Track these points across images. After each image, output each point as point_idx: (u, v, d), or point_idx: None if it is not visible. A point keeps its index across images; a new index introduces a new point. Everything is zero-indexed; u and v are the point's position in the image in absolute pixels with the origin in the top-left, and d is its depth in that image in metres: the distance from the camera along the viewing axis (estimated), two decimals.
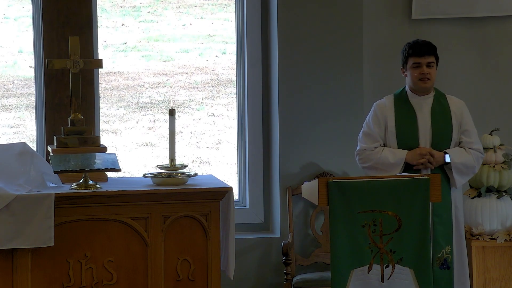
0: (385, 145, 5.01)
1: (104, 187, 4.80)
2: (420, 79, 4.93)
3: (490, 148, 5.22)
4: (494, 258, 5.09)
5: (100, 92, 5.72)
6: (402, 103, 4.99)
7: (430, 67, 4.93)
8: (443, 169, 4.94)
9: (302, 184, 4.81)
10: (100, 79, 5.75)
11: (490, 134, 5.26)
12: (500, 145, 5.25)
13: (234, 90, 5.95)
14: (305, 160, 5.71)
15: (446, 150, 4.92)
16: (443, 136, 4.92)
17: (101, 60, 5.22)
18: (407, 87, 5.05)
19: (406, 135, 4.94)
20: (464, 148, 4.96)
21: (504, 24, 5.83)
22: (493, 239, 5.12)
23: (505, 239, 5.11)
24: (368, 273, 4.45)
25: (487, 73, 5.89)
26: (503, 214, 5.15)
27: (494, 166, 5.18)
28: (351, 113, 5.65)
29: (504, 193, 5.18)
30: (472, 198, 5.20)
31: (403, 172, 4.92)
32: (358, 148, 5.05)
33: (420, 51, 4.92)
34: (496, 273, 5.07)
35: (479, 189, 5.20)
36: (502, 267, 5.07)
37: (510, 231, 5.14)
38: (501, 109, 5.90)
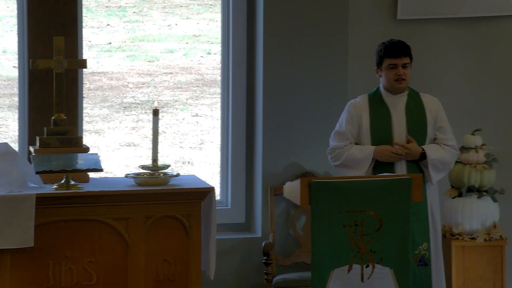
0: (357, 144, 5.03)
1: (86, 188, 4.81)
2: (396, 80, 4.96)
3: (472, 148, 5.25)
4: (474, 258, 5.11)
5: (84, 92, 5.71)
6: (376, 102, 5.01)
7: (405, 67, 4.96)
8: (418, 165, 4.96)
9: (284, 184, 4.81)
10: (84, 79, 5.71)
11: (472, 134, 5.29)
12: (482, 145, 5.28)
13: (218, 90, 5.96)
14: (288, 161, 5.73)
15: (422, 146, 4.94)
16: (418, 133, 4.93)
17: (85, 60, 5.23)
18: (381, 87, 5.07)
19: (380, 133, 4.95)
20: (440, 145, 4.98)
21: (490, 24, 5.85)
22: (473, 238, 5.14)
23: (485, 239, 5.14)
24: (348, 273, 4.47)
25: (472, 74, 5.91)
26: (483, 214, 5.18)
27: (475, 166, 5.21)
28: (335, 114, 5.59)
29: (484, 193, 5.21)
30: (453, 198, 5.23)
31: (373, 168, 4.94)
32: (329, 147, 5.08)
33: (396, 52, 4.95)
34: (475, 273, 5.10)
35: (460, 189, 5.22)
36: (481, 267, 5.09)
37: (489, 231, 5.17)
38: (484, 110, 5.92)
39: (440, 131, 4.99)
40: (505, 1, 5.73)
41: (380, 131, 4.96)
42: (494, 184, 5.25)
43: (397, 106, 4.98)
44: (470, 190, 5.19)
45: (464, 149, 5.28)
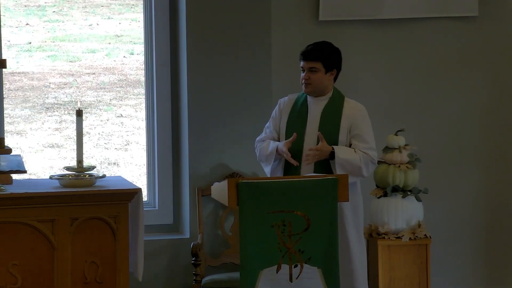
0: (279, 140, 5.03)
1: (9, 189, 4.77)
2: (303, 83, 4.98)
3: (396, 149, 5.28)
4: (399, 257, 5.15)
5: (4, 92, 5.63)
6: (300, 102, 5.03)
7: (312, 72, 4.94)
8: (328, 166, 4.94)
9: (212, 185, 4.83)
10: (4, 79, 5.62)
11: (396, 134, 5.31)
12: (405, 145, 5.32)
13: (142, 91, 5.92)
14: (215, 161, 5.71)
15: (333, 146, 4.91)
16: (329, 138, 4.91)
17: (4, 60, 5.06)
18: None
19: (293, 133, 4.93)
20: (354, 149, 4.92)
21: (411, 26, 5.88)
22: (399, 238, 5.18)
23: (410, 238, 5.18)
24: (277, 273, 4.49)
25: (394, 75, 5.97)
26: (408, 213, 5.21)
27: (399, 166, 5.24)
28: (260, 113, 5.63)
29: (409, 193, 5.24)
30: (379, 197, 5.26)
31: (282, 165, 4.96)
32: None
33: (305, 55, 4.96)
34: (401, 271, 5.13)
35: (385, 189, 5.26)
36: (407, 266, 5.13)
37: (414, 230, 5.21)
38: (407, 110, 5.97)
39: (356, 138, 4.96)
40: (418, 4, 5.83)
41: (294, 131, 4.96)
42: (417, 183, 5.31)
43: (315, 109, 5.00)
44: (395, 189, 5.21)
45: (388, 149, 5.31)
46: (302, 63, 4.97)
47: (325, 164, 4.94)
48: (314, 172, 4.91)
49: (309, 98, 5.04)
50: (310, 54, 4.94)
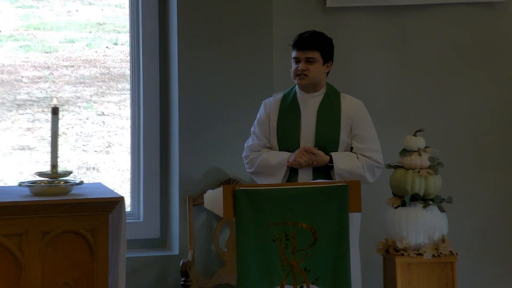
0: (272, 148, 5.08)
1: None
2: (298, 75, 4.96)
3: (415, 151, 5.21)
4: (421, 276, 5.08)
5: None
6: (288, 101, 5.03)
7: (309, 62, 4.94)
8: (328, 174, 4.95)
9: (205, 192, 4.79)
10: None
11: (414, 135, 5.23)
12: (426, 147, 5.24)
13: (127, 86, 5.89)
14: (209, 166, 5.65)
15: (332, 153, 4.95)
16: (328, 139, 4.93)
17: None
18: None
19: (286, 135, 4.95)
20: (356, 154, 4.98)
21: (425, 13, 5.93)
22: (420, 254, 5.11)
23: (433, 255, 5.10)
24: None
25: (409, 68, 5.95)
26: (430, 226, 5.13)
27: (419, 171, 5.16)
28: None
29: (430, 202, 5.16)
30: (396, 207, 5.18)
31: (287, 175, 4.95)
32: (244, 152, 5.11)
33: (300, 44, 4.94)
34: None
35: (403, 198, 5.17)
36: (430, 287, 5.08)
37: (438, 246, 5.13)
38: (426, 108, 5.95)
39: (357, 139, 4.96)
40: None
41: (287, 133, 4.97)
42: (440, 191, 5.26)
43: (309, 107, 4.98)
44: (414, 198, 5.16)
45: (405, 152, 5.25)
46: (295, 53, 4.97)
47: (324, 170, 4.91)
48: (314, 179, 4.87)
49: (299, 94, 5.02)
50: (308, 43, 4.93)
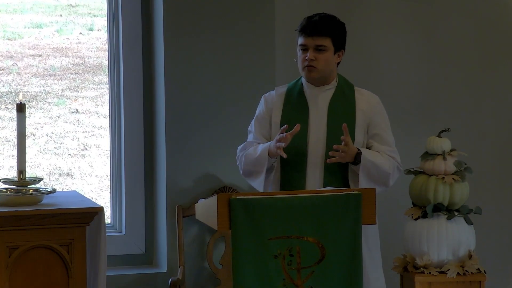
0: None
1: None
2: (306, 66, 4.97)
3: (438, 155, 5.27)
4: None
5: None
6: (294, 95, 5.07)
7: (319, 51, 4.95)
8: (341, 178, 4.98)
9: (197, 202, 4.82)
10: None
11: (438, 136, 5.29)
12: (451, 150, 5.30)
13: (105, 78, 5.94)
14: (201, 171, 5.74)
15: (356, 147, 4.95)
16: (341, 139, 4.89)
17: None
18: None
19: (292, 137, 4.91)
20: (378, 152, 5.02)
21: None
22: (443, 272, 5.17)
23: (458, 273, 5.17)
24: None
25: (435, 56, 5.98)
26: (454, 240, 5.19)
27: (443, 177, 5.23)
28: None
29: (456, 213, 5.23)
30: (416, 219, 5.24)
31: (281, 182, 4.99)
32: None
33: (309, 29, 4.93)
34: None
35: (424, 208, 5.24)
36: None
37: (464, 263, 5.19)
38: (454, 103, 5.99)
39: (376, 139, 5.02)
40: None
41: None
42: (467, 201, 5.29)
43: (319, 102, 5.02)
44: (438, 209, 5.21)
45: (428, 155, 5.30)
46: (302, 40, 4.96)
47: (339, 172, 4.96)
48: (325, 185, 4.92)
49: (306, 88, 5.06)
50: (318, 28, 4.93)
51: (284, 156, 4.83)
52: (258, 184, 5.00)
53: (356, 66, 5.79)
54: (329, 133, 5.00)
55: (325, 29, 4.93)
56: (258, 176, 4.97)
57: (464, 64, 5.99)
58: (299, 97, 5.05)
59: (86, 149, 6.04)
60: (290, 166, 5.01)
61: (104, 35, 5.95)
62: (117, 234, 5.81)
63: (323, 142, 4.98)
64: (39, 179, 5.01)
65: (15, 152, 5.02)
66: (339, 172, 4.98)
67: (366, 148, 5.03)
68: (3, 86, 6.02)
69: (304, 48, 4.96)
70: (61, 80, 6.08)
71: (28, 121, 5.14)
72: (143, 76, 5.84)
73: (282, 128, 4.87)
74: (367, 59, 5.90)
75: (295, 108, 5.04)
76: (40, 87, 6.06)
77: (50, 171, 5.97)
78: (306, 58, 4.95)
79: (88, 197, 5.16)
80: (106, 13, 5.83)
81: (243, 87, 5.74)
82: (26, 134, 4.96)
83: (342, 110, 5.01)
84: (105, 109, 5.96)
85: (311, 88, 5.03)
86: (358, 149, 4.92)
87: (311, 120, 5.00)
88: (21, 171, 4.93)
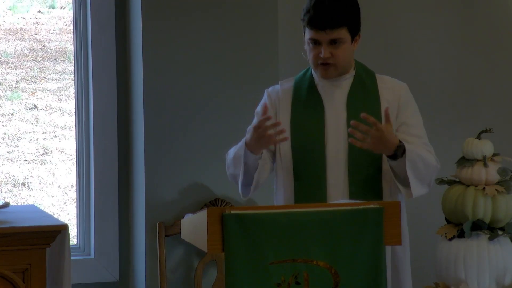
0: (274, 153, 5.11)
1: None
2: (320, 63, 5.00)
3: (478, 161, 5.24)
4: None
5: None
6: (303, 90, 5.12)
7: (335, 46, 4.97)
8: (379, 187, 5.05)
9: (182, 218, 4.83)
10: None
11: (478, 137, 5.27)
12: (494, 155, 5.29)
13: (70, 67, 6.04)
14: (187, 181, 5.79)
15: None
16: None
17: None
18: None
19: (306, 136, 5.00)
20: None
21: None
22: None
23: None
24: None
25: (475, 41, 6.03)
26: (498, 265, 5.17)
27: (484, 188, 5.21)
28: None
29: (500, 232, 5.21)
30: (450, 239, 5.22)
31: (295, 191, 5.04)
32: None
33: (319, 22, 4.93)
34: None
35: (461, 226, 5.22)
36: None
37: None
38: (497, 99, 6.07)
39: (405, 131, 5.07)
40: None
41: (306, 133, 5.03)
42: None
43: (335, 96, 5.08)
44: (477, 227, 5.19)
45: (465, 161, 5.26)
46: (312, 34, 4.98)
47: (368, 178, 5.01)
48: (351, 195, 4.99)
49: (318, 80, 5.12)
50: (331, 19, 4.95)
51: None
52: (244, 190, 5.02)
53: (377, 54, 5.89)
54: (350, 132, 4.98)
55: (339, 18, 4.96)
56: (238, 178, 4.99)
57: (502, 52, 6.08)
58: (310, 92, 5.10)
59: (47, 153, 6.07)
60: (306, 176, 5.05)
61: (68, 14, 6.05)
62: (85, 258, 5.83)
63: (343, 143, 5.03)
64: None
65: None
66: (368, 177, 5.04)
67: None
68: None
69: (313, 43, 4.99)
70: (15, 69, 6.12)
71: None
72: (116, 64, 5.88)
73: (261, 119, 4.86)
74: (385, 43, 6.00)
75: (306, 105, 5.09)
76: None
77: (1, 181, 6.01)
78: (320, 55, 4.97)
79: (49, 213, 5.18)
80: None
81: (240, 81, 5.81)
82: None
83: (364, 102, 5.07)
84: (70, 105, 6.04)
85: (324, 80, 5.08)
86: (400, 141, 4.93)
87: (328, 118, 5.05)
88: None
